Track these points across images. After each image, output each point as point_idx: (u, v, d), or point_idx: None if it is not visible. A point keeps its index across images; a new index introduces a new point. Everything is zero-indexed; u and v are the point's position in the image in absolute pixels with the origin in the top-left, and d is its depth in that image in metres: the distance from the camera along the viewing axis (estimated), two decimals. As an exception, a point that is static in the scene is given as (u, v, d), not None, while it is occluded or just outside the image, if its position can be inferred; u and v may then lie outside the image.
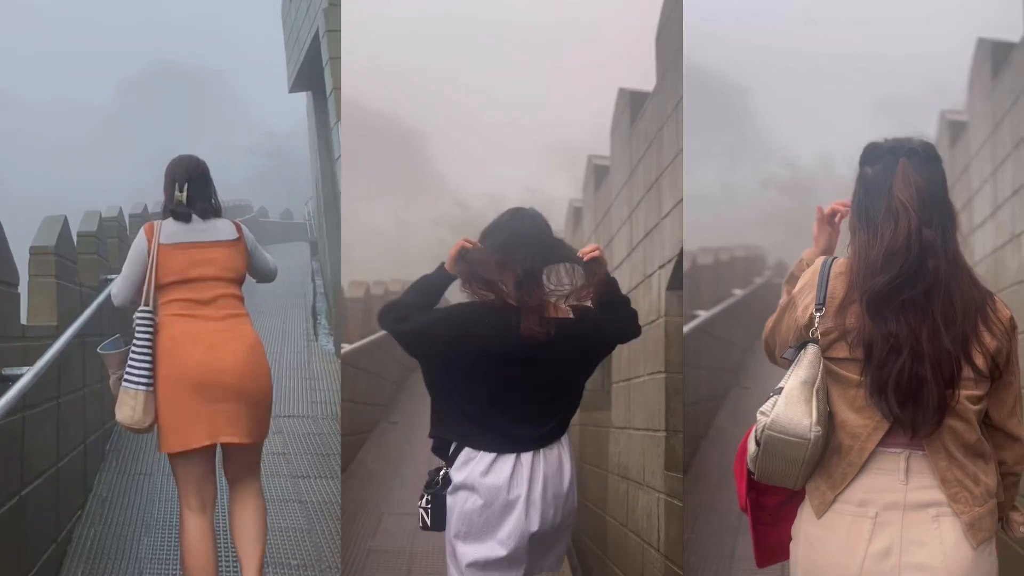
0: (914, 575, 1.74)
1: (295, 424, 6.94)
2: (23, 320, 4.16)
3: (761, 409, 1.82)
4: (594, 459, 5.46)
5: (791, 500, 1.99)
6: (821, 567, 1.82)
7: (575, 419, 2.83)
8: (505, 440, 2.59)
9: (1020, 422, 1.88)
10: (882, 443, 1.79)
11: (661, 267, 4.14)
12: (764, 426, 1.79)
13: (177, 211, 3.33)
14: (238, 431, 3.14)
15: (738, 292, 8.77)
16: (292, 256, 18.12)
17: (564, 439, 2.73)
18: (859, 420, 1.80)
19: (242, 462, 3.31)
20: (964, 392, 1.78)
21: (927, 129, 6.43)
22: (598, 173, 6.13)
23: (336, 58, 7.92)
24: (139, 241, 3.29)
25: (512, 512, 2.57)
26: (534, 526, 2.58)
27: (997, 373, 1.83)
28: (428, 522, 2.67)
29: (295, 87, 11.61)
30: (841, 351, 1.80)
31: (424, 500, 2.66)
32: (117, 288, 3.32)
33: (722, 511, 5.27)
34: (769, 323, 2.01)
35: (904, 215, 1.80)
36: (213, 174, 3.55)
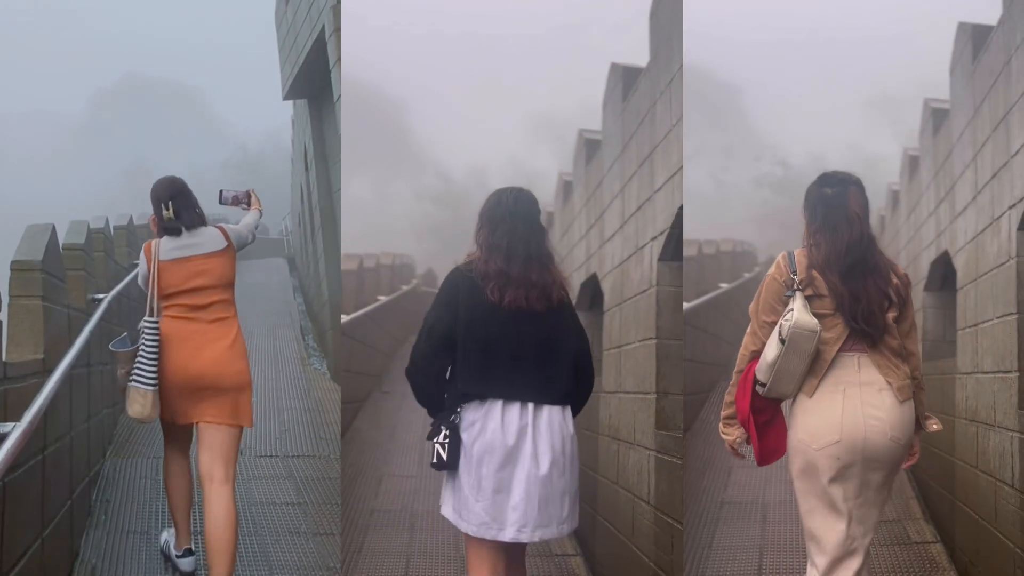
0: (871, 421, 2.88)
1: (305, 466, 6.07)
2: (2, 355, 3.27)
3: (784, 318, 2.89)
4: (584, 423, 5.53)
5: (772, 422, 3.04)
6: (814, 423, 2.91)
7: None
8: (511, 387, 2.94)
9: (914, 342, 3.06)
10: (842, 350, 2.93)
11: (654, 239, 4.28)
12: (790, 326, 2.85)
13: (168, 227, 3.80)
14: (217, 414, 3.67)
15: (724, 286, 8.65)
16: (270, 272, 17.50)
17: (567, 411, 3.06)
18: (827, 334, 2.93)
19: (215, 445, 3.69)
20: (889, 314, 2.96)
21: (918, 125, 6.60)
22: (589, 147, 6.17)
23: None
24: (141, 262, 3.81)
25: (524, 445, 2.90)
26: (545, 462, 2.90)
27: (902, 306, 2.99)
28: (444, 457, 2.90)
29: (291, 94, 10.72)
30: (808, 292, 2.94)
31: (442, 435, 2.90)
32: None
33: (703, 503, 5.49)
34: (752, 305, 3.07)
35: (858, 222, 2.97)
36: None
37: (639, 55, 4.93)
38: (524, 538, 2.91)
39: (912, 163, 7.26)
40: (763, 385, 2.94)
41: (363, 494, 6.20)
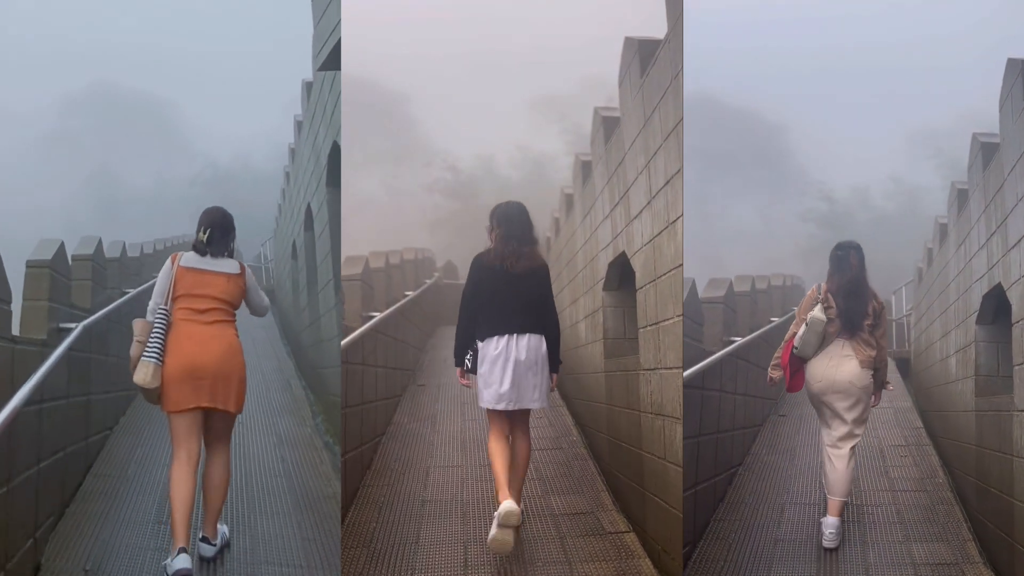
0: (841, 376, 5.34)
1: None
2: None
3: (813, 313, 5.35)
4: (624, 401, 5.72)
5: (799, 371, 5.49)
6: (812, 373, 5.44)
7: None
8: (502, 326, 4.86)
9: (884, 339, 5.52)
10: (837, 336, 5.48)
11: (684, 214, 4.40)
12: (810, 316, 5.35)
13: (197, 247, 4.72)
14: (215, 400, 4.51)
15: (775, 320, 8.80)
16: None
17: (540, 336, 4.95)
18: (830, 328, 5.40)
19: (217, 427, 4.69)
20: (865, 322, 5.44)
21: (963, 156, 6.69)
22: (607, 125, 6.25)
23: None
24: (167, 265, 4.68)
25: (511, 352, 4.82)
26: (522, 359, 4.82)
27: (875, 318, 5.40)
28: (469, 366, 4.97)
29: (327, 64, 7.24)
30: (827, 304, 5.39)
31: (469, 355, 4.95)
32: (151, 303, 4.61)
33: (756, 539, 5.56)
34: (798, 308, 5.59)
35: (850, 271, 5.41)
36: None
37: (642, 28, 5.15)
38: (512, 407, 4.87)
39: (960, 196, 7.26)
40: (796, 348, 5.44)
41: (412, 487, 6.24)
